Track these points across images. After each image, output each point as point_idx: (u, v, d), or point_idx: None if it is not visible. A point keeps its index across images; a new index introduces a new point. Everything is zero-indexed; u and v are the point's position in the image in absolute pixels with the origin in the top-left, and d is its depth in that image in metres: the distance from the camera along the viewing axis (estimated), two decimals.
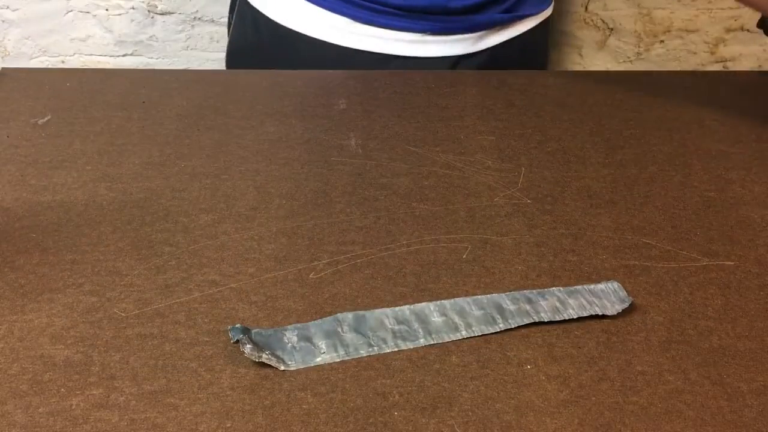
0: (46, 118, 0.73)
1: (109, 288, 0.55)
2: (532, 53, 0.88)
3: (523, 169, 0.67)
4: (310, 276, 0.56)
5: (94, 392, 0.47)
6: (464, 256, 0.58)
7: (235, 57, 0.93)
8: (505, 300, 0.53)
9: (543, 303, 0.53)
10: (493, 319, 0.52)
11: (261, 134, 0.72)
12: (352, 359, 0.50)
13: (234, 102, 0.76)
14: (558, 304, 0.53)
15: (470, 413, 0.47)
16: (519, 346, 0.51)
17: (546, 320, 0.52)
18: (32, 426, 0.45)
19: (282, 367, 0.49)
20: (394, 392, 0.48)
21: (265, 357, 0.49)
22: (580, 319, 0.52)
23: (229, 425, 0.46)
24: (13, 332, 0.51)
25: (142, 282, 0.55)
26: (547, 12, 0.89)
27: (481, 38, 0.83)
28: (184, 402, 0.47)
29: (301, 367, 0.49)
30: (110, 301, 0.54)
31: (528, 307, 0.53)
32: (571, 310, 0.53)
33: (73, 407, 0.47)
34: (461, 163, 0.68)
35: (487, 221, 0.62)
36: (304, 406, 0.47)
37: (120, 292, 0.54)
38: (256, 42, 0.88)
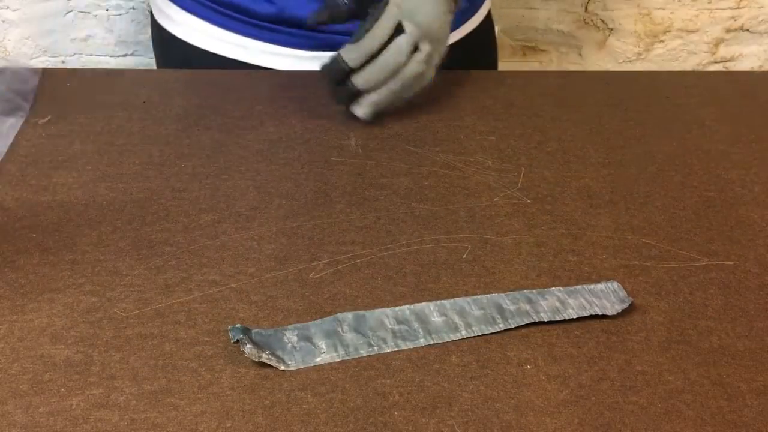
0: (46, 118, 0.73)
1: (109, 288, 0.55)
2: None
3: (523, 169, 0.67)
4: (310, 276, 0.56)
5: (94, 392, 0.47)
6: (464, 256, 0.58)
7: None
8: (505, 300, 0.53)
9: (543, 303, 0.53)
10: (493, 319, 0.52)
11: (261, 134, 0.72)
12: (352, 359, 0.50)
13: (234, 102, 0.76)
14: (558, 304, 0.53)
15: (470, 413, 0.47)
16: (519, 346, 0.51)
17: (546, 320, 0.52)
18: (32, 426, 0.45)
19: (282, 367, 0.49)
20: (394, 392, 0.48)
21: (265, 357, 0.49)
22: (580, 319, 0.52)
23: (229, 425, 0.46)
24: (13, 332, 0.51)
25: (142, 282, 0.55)
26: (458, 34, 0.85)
27: None
28: (184, 402, 0.47)
29: (301, 366, 0.49)
30: (110, 301, 0.54)
31: (528, 307, 0.53)
32: (571, 310, 0.53)
33: (73, 407, 0.47)
34: (461, 163, 0.68)
35: (487, 221, 0.62)
36: (304, 406, 0.47)
37: (120, 292, 0.55)
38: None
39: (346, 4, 0.67)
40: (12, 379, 0.48)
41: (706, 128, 0.74)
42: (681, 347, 0.51)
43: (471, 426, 0.46)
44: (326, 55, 0.69)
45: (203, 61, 0.83)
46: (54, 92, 0.77)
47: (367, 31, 0.66)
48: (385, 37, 0.67)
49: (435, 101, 0.76)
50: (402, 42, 0.67)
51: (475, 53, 0.91)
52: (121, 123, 0.73)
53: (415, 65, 0.68)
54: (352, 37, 0.67)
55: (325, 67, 0.68)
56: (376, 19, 0.66)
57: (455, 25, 0.86)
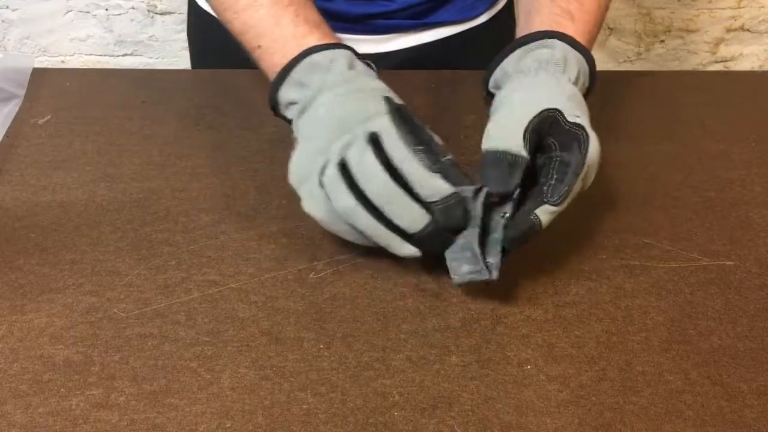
0: (46, 118, 0.73)
1: (109, 288, 0.55)
2: (461, 58, 0.87)
3: None
4: (310, 276, 0.56)
5: (94, 392, 0.47)
6: None
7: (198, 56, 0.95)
8: None
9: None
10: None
11: (261, 134, 0.71)
12: (353, 360, 0.50)
13: (234, 102, 0.76)
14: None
15: (470, 413, 0.47)
16: (519, 346, 0.51)
17: None
18: (32, 426, 0.45)
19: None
20: (394, 392, 0.48)
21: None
22: (579, 320, 0.52)
23: (229, 425, 0.46)
24: (13, 332, 0.51)
25: (142, 282, 0.55)
26: (474, 21, 0.87)
27: (388, 40, 0.84)
28: (184, 402, 0.47)
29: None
30: (110, 301, 0.54)
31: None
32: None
33: (73, 407, 0.47)
34: (461, 163, 0.68)
35: None
36: (304, 406, 0.47)
37: (120, 292, 0.54)
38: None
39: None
40: (12, 379, 0.48)
41: (706, 128, 0.74)
42: (681, 347, 0.51)
43: (471, 426, 0.46)
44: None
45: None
46: (54, 92, 0.77)
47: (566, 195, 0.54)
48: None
49: (435, 101, 0.76)
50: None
51: (501, 33, 0.92)
52: (121, 123, 0.73)
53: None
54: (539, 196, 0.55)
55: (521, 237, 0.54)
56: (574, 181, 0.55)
57: (487, 7, 0.87)
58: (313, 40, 0.59)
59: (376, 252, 0.58)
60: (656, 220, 0.62)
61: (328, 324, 0.53)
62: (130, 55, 1.50)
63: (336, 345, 0.51)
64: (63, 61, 1.50)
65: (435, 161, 0.54)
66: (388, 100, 0.56)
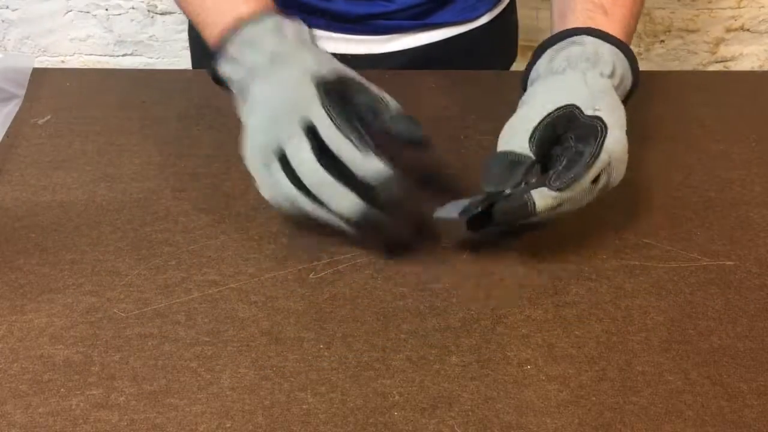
0: (46, 118, 0.73)
1: (109, 288, 0.55)
2: (463, 59, 0.87)
3: None
4: (310, 276, 0.56)
5: (94, 392, 0.47)
6: (464, 257, 0.58)
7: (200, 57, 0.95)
8: None
9: None
10: None
11: None
12: (353, 360, 0.50)
13: (234, 102, 0.76)
14: None
15: (470, 413, 0.47)
16: (519, 346, 0.51)
17: None
18: (32, 426, 0.45)
19: None
20: (394, 392, 0.48)
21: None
22: (581, 320, 0.52)
23: (229, 425, 0.46)
24: (13, 332, 0.51)
25: (142, 282, 0.55)
26: (475, 23, 0.87)
27: (388, 41, 0.84)
28: (184, 402, 0.47)
29: None
30: (110, 301, 0.54)
31: None
32: None
33: (73, 407, 0.47)
34: (461, 164, 0.68)
35: None
36: (304, 406, 0.47)
37: (120, 292, 0.54)
38: None
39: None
40: (12, 379, 0.48)
41: (706, 128, 0.74)
42: (681, 347, 0.51)
43: (471, 426, 0.46)
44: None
45: None
46: (53, 92, 0.77)
47: (573, 181, 0.52)
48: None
49: (436, 101, 0.76)
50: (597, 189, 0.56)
51: (502, 34, 0.92)
52: (121, 123, 0.73)
53: (591, 195, 0.56)
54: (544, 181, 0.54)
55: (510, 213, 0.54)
56: (585, 171, 0.53)
57: (489, 8, 0.87)
58: (246, 8, 0.60)
59: (376, 252, 0.58)
60: (656, 220, 0.62)
61: (328, 324, 0.53)
62: (130, 55, 1.49)
63: (336, 345, 0.51)
64: (63, 61, 1.50)
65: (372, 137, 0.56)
66: (318, 80, 0.57)
